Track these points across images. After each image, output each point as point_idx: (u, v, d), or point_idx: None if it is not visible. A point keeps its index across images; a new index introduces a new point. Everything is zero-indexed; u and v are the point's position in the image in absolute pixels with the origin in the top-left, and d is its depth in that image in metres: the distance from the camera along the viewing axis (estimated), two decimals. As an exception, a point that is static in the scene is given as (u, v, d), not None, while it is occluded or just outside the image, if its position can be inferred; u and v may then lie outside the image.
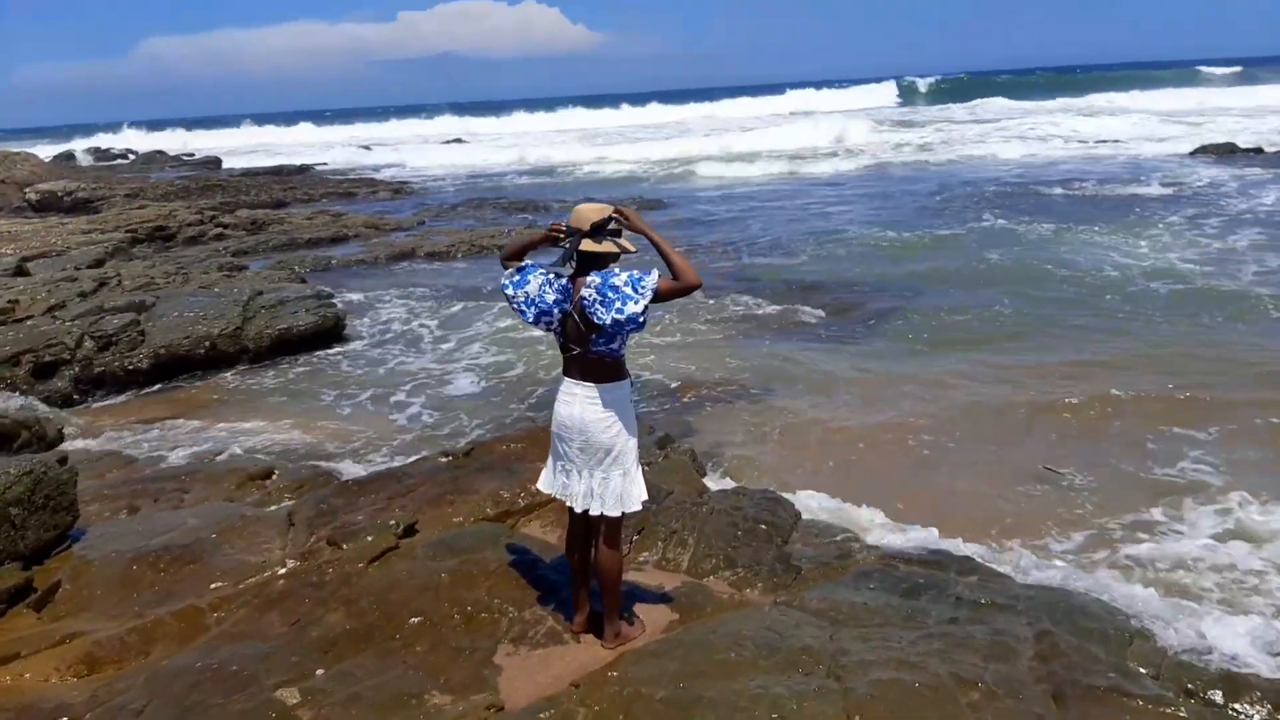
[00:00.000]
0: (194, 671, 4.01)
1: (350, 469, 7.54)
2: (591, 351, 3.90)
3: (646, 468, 6.13)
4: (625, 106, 77.06)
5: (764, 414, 8.42)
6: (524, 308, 4.00)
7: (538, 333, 4.87)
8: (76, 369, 9.98)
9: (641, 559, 5.07)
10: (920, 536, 5.57)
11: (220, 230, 21.00)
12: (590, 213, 3.86)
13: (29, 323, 10.54)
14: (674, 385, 9.40)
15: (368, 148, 51.87)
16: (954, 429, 7.85)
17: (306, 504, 5.69)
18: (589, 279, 3.85)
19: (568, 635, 4.30)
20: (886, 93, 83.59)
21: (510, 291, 4.04)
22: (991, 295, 12.37)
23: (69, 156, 50.73)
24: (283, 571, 4.88)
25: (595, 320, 3.78)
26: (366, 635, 4.29)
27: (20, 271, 13.77)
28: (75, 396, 9.89)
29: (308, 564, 4.94)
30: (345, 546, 5.05)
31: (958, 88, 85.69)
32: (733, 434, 7.98)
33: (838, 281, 13.89)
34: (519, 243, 4.12)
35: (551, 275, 4.02)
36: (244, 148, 56.92)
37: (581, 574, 4.26)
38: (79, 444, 8.04)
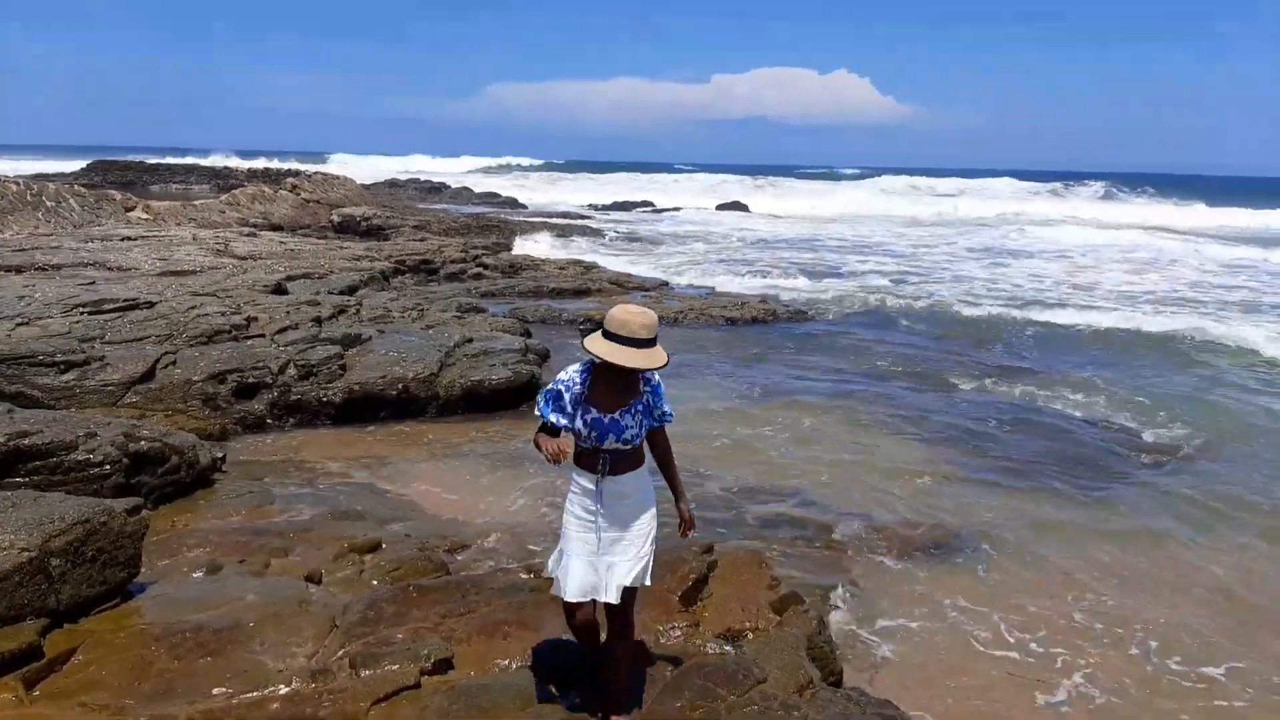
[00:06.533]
0: (115, 809, 3.46)
1: (466, 557, 7.00)
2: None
3: (750, 635, 5.09)
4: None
5: (953, 580, 6.97)
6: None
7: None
8: (275, 393, 10.26)
9: (690, 772, 3.99)
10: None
11: (480, 270, 21.88)
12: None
13: (250, 342, 11.05)
14: (847, 517, 8.10)
15: (653, 206, 53.66)
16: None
17: (357, 604, 5.11)
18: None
19: None
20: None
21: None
22: None
23: (393, 184, 56.23)
24: (284, 691, 4.28)
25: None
26: (319, 807, 3.56)
27: (278, 289, 14.78)
28: (269, 421, 10.17)
29: (315, 686, 4.32)
30: (363, 673, 4.39)
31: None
32: (904, 602, 6.62)
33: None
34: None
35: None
36: (549, 206, 59.72)
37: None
38: (232, 474, 8.07)
